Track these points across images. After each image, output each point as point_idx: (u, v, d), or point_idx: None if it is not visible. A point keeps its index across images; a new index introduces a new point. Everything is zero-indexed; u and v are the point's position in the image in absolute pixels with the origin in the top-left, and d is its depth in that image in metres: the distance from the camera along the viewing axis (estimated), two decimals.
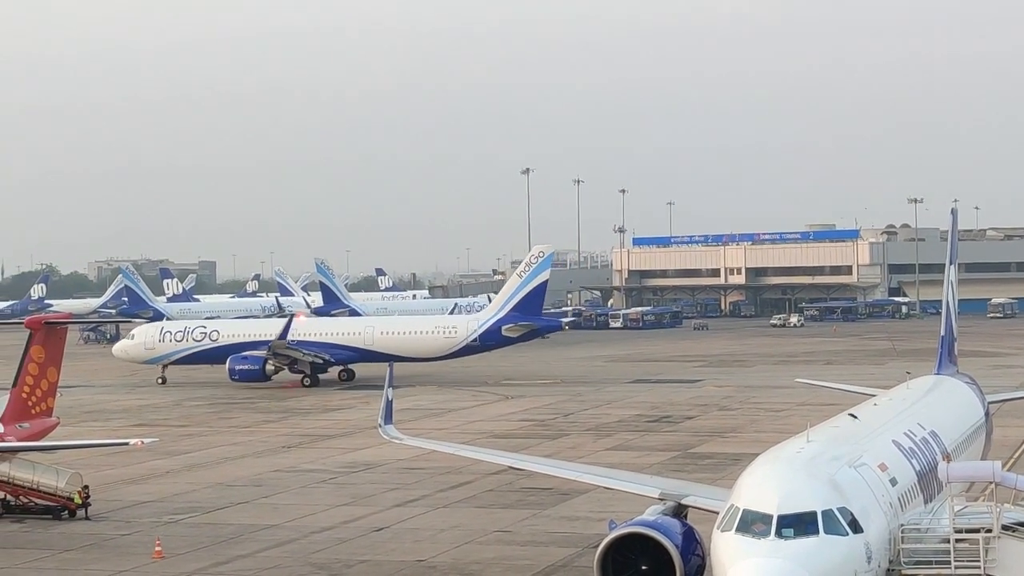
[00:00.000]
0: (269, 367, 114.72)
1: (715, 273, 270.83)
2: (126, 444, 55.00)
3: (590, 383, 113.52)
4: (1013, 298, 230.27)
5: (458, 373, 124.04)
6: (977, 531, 30.52)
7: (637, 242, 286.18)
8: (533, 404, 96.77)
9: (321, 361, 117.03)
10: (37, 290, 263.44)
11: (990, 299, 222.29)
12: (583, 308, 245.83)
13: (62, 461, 58.44)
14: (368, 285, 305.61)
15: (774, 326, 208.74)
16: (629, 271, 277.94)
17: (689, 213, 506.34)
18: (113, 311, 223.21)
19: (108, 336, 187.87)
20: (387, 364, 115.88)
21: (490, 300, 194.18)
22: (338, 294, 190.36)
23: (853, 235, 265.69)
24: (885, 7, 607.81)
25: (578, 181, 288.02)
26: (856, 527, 28.18)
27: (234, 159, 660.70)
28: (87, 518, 54.15)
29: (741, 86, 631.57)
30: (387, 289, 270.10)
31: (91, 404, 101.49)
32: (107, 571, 44.97)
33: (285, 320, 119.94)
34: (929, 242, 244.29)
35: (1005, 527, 30.39)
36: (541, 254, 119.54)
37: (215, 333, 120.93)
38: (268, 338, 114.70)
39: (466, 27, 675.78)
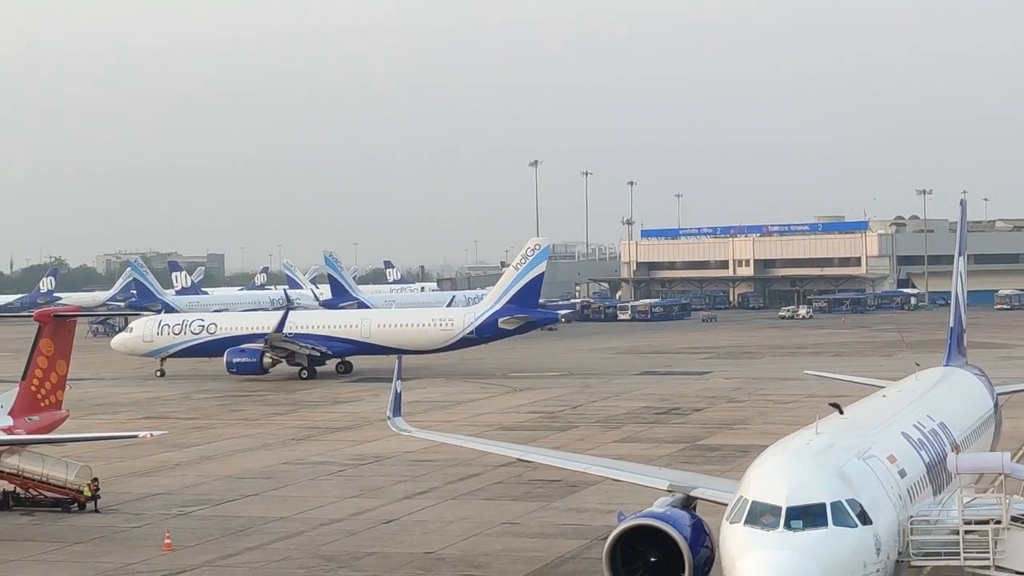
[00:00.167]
0: (266, 360, 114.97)
1: (723, 265, 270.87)
2: (135, 437, 55.15)
3: (598, 375, 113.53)
4: (1020, 289, 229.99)
5: (466, 365, 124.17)
6: (986, 522, 30.49)
7: (645, 234, 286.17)
8: (541, 396, 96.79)
9: (318, 354, 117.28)
10: (46, 283, 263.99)
11: (998, 291, 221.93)
12: (591, 300, 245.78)
13: (71, 454, 58.61)
14: (376, 278, 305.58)
15: (783, 318, 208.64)
16: (637, 263, 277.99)
17: (697, 205, 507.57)
18: (122, 304, 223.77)
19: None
20: (385, 356, 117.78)
21: None
22: (346, 287, 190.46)
23: (862, 226, 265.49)
24: (893, 1, 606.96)
25: (586, 173, 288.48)
26: (865, 519, 28.16)
27: (242, 154, 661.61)
28: (96, 511, 54.25)
29: (749, 79, 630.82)
30: (395, 282, 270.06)
31: (100, 397, 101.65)
32: (117, 563, 45.04)
33: (281, 313, 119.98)
34: (938, 233, 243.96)
35: (1015, 518, 30.36)
36: (537, 247, 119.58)
37: (213, 326, 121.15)
38: (266, 331, 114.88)
39: (473, 21, 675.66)
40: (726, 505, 29.84)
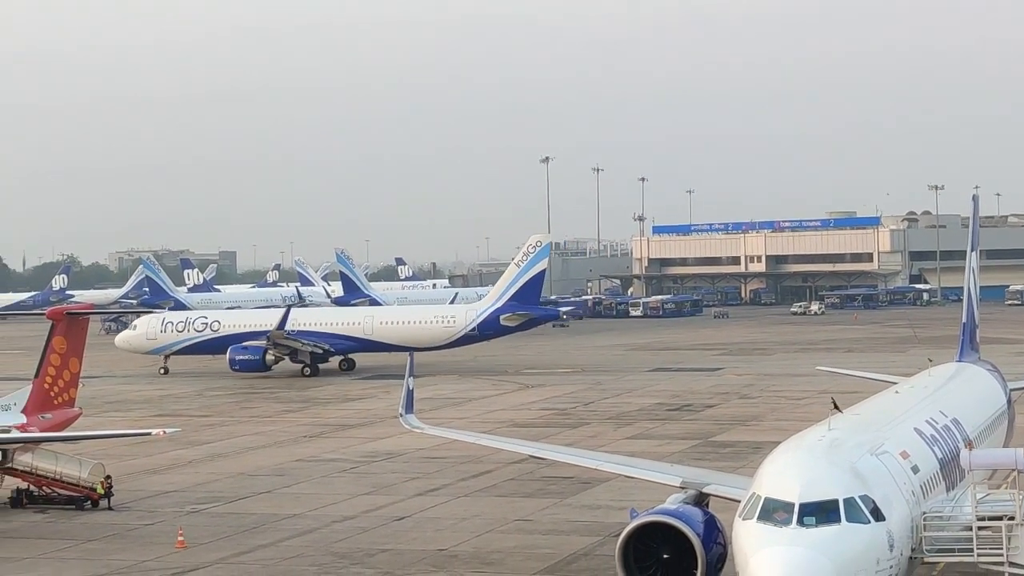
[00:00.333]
0: (269, 357, 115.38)
1: (735, 261, 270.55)
2: (148, 434, 55.31)
3: (610, 372, 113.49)
4: None
5: (478, 362, 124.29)
6: (1000, 519, 30.47)
7: (657, 230, 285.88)
8: (553, 393, 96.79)
9: (321, 351, 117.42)
10: (58, 281, 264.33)
11: (1008, 286, 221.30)
12: (603, 297, 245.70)
13: (85, 451, 58.78)
14: (388, 274, 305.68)
15: (795, 314, 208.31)
16: (649, 259, 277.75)
17: (709, 201, 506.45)
18: (134, 301, 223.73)
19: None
20: (387, 352, 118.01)
21: None
22: (358, 283, 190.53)
23: (874, 222, 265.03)
24: None
25: (597, 169, 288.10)
26: (878, 515, 28.14)
27: (254, 151, 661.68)
28: (110, 508, 54.38)
29: (761, 74, 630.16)
30: (407, 278, 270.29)
31: (113, 394, 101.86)
32: (130, 561, 45.13)
33: (283, 310, 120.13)
34: (950, 229, 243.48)
35: None
36: (539, 243, 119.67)
37: (216, 323, 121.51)
38: (269, 328, 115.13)
39: (484, 17, 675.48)
40: (739, 502, 29.84)
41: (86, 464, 55.19)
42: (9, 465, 53.78)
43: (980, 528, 30.39)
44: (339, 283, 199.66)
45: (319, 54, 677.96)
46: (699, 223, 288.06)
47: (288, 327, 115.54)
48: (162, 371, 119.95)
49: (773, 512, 27.80)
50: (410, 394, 46.22)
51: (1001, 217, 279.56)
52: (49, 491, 55.02)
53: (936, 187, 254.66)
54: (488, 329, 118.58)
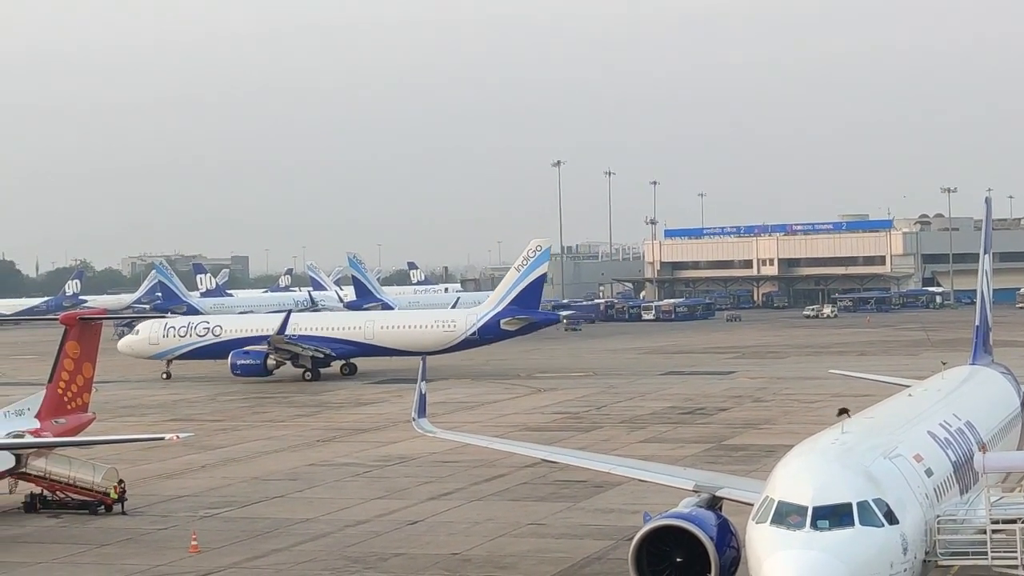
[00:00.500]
0: (270, 362, 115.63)
1: (747, 264, 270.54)
2: (161, 439, 55.33)
3: (623, 375, 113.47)
4: None
5: (490, 366, 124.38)
6: (1014, 522, 30.37)
7: (669, 234, 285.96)
8: (566, 397, 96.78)
9: (322, 355, 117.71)
10: (71, 286, 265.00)
11: (1020, 289, 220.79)
12: (615, 300, 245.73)
13: (98, 456, 58.81)
14: (400, 279, 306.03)
15: (807, 317, 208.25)
16: (661, 263, 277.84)
17: (721, 204, 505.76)
18: (147, 306, 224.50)
19: None
20: (389, 358, 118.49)
21: None
22: (370, 288, 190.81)
23: (886, 225, 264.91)
24: None
25: (609, 173, 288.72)
26: (892, 518, 28.09)
27: (266, 155, 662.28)
28: (123, 513, 54.45)
29: (772, 76, 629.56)
30: (419, 283, 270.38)
31: (126, 399, 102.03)
32: (144, 565, 45.19)
33: (283, 315, 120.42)
34: (963, 231, 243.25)
35: None
36: (539, 248, 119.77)
37: (218, 328, 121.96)
38: (270, 333, 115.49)
39: (494, 19, 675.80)
40: (752, 505, 29.79)
41: (100, 469, 55.29)
42: (23, 470, 53.87)
43: (994, 531, 30.30)
44: (351, 287, 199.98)
45: (329, 56, 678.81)
46: (711, 226, 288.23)
47: (290, 332, 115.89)
48: (165, 376, 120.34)
49: (786, 516, 27.77)
50: (423, 398, 46.21)
51: (1014, 220, 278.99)
52: (63, 496, 55.09)
53: (949, 190, 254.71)
54: (488, 333, 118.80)
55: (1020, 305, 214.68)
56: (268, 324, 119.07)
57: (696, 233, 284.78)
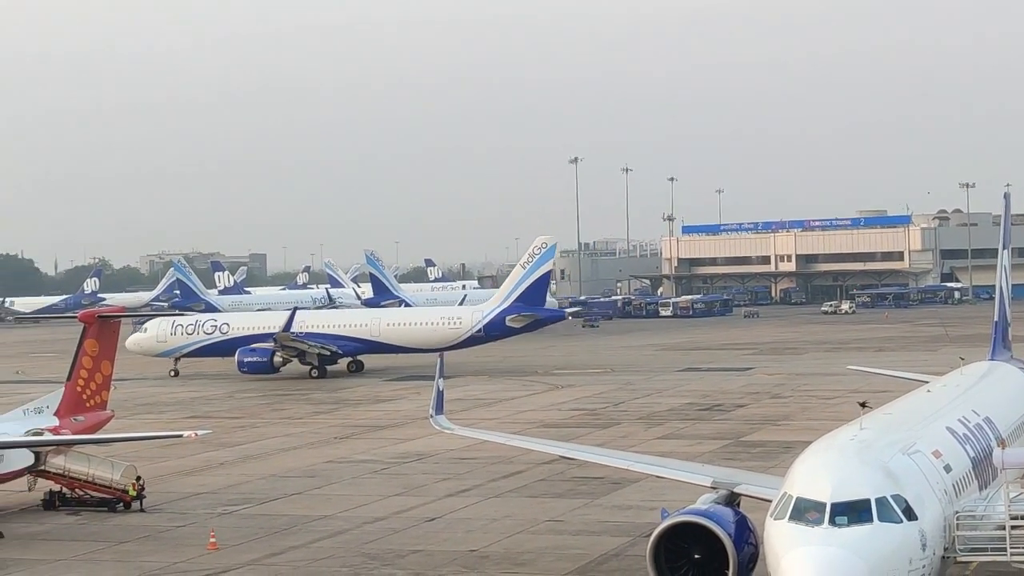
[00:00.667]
0: (277, 359, 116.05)
1: (765, 260, 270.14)
2: (180, 436, 55.38)
3: (640, 372, 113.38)
4: None
5: (508, 363, 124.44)
6: None
7: (686, 230, 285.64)
8: (583, 393, 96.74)
9: (328, 353, 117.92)
10: (90, 284, 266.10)
11: None
12: (633, 297, 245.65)
13: (117, 454, 59.02)
14: (418, 276, 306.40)
15: (825, 313, 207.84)
16: (679, 259, 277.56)
17: (738, 200, 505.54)
18: (165, 304, 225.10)
19: None
20: (395, 355, 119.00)
21: None
22: (388, 285, 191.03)
23: (905, 221, 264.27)
24: None
25: (627, 170, 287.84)
26: (910, 514, 28.02)
27: (284, 154, 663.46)
28: (142, 510, 54.56)
29: (790, 72, 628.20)
30: (436, 280, 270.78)
31: (145, 397, 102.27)
32: (162, 562, 45.27)
33: (288, 312, 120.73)
34: (981, 227, 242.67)
35: None
36: (544, 245, 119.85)
37: (225, 326, 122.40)
38: (276, 331, 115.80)
39: (513, 17, 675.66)
40: (770, 501, 29.75)
41: (118, 466, 55.42)
42: (42, 467, 54.02)
43: (1013, 527, 30.24)
44: (369, 285, 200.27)
45: (350, 54, 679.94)
46: (729, 223, 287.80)
47: (297, 330, 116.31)
48: (172, 373, 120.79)
49: (805, 512, 27.71)
50: (440, 395, 46.22)
51: None
52: (82, 493, 55.21)
53: (967, 185, 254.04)
54: (494, 330, 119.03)
55: None
56: (275, 322, 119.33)
57: (714, 229, 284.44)
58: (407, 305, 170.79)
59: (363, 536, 48.59)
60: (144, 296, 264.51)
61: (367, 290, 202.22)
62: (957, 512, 30.58)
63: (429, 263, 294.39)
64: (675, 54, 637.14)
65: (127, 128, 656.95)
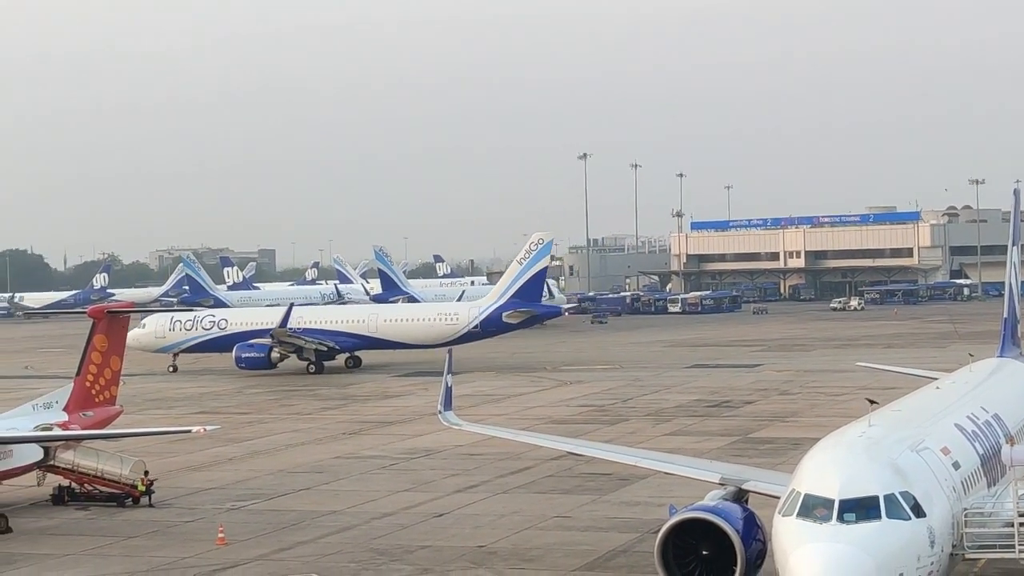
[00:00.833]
0: (274, 355, 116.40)
1: (774, 257, 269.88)
2: (188, 431, 55.45)
3: (648, 368, 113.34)
4: None
5: (516, 359, 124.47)
6: None
7: (695, 226, 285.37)
8: (592, 389, 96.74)
9: (326, 348, 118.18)
10: (99, 279, 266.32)
11: None
12: (641, 293, 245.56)
13: (126, 449, 59.06)
14: (426, 272, 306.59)
15: (834, 309, 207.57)
16: (687, 255, 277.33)
17: (747, 197, 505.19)
18: (174, 300, 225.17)
19: None
20: (392, 351, 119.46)
21: (548, 286, 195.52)
22: (396, 281, 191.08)
23: (914, 217, 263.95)
24: None
25: (636, 166, 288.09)
26: (919, 511, 27.98)
27: (293, 150, 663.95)
28: (151, 505, 54.65)
29: (799, 69, 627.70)
30: (445, 276, 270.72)
31: (153, 392, 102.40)
32: (171, 557, 45.35)
33: (285, 308, 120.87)
34: (991, 223, 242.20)
35: None
36: (541, 241, 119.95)
37: (223, 322, 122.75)
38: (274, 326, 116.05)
39: (522, 14, 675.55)
40: (778, 498, 29.73)
41: (127, 461, 55.51)
42: (51, 462, 54.12)
43: (1022, 524, 30.18)
44: (378, 280, 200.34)
45: (357, 51, 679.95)
46: (738, 219, 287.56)
47: (296, 325, 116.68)
48: (171, 369, 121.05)
49: (813, 508, 27.69)
50: (449, 391, 46.26)
51: None
52: (91, 488, 55.30)
53: (977, 181, 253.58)
54: (491, 326, 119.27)
55: None
56: (273, 318, 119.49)
57: (723, 226, 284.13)
58: (414, 300, 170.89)
59: (371, 532, 48.62)
60: (153, 292, 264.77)
61: (376, 286, 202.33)
62: (965, 509, 30.55)
63: (438, 259, 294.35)
64: (684, 51, 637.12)
65: (137, 126, 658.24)
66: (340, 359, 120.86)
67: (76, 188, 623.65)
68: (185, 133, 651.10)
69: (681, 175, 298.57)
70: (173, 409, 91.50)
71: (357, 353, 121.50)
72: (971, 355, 50.54)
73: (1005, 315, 53.51)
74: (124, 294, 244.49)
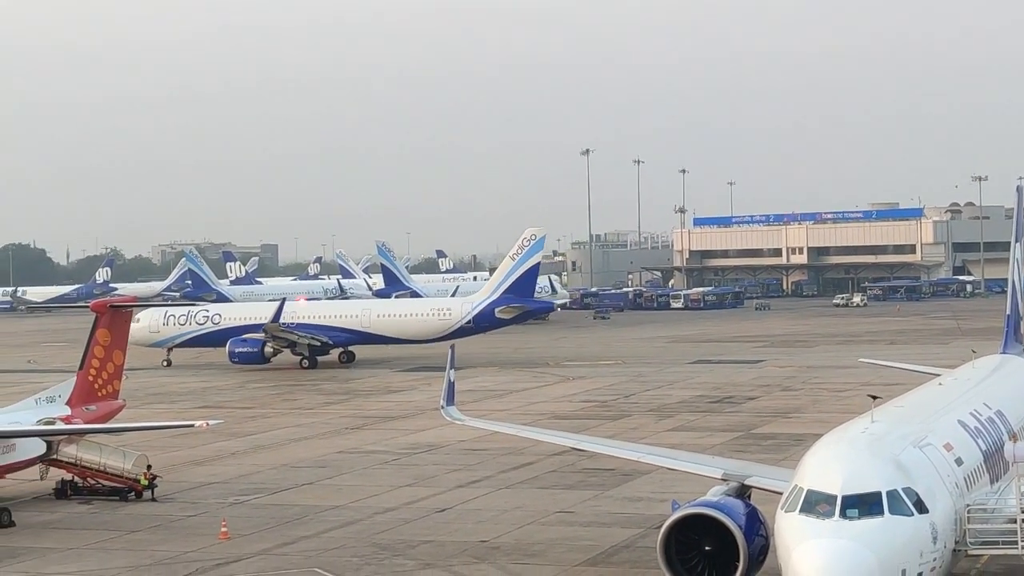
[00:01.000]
0: (268, 349, 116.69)
1: (777, 253, 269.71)
2: (191, 426, 55.52)
3: (651, 364, 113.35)
4: None
5: (519, 354, 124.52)
6: None
7: (698, 222, 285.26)
8: (594, 385, 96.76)
9: (319, 343, 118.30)
10: (102, 274, 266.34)
11: None
12: (644, 289, 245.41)
13: (128, 443, 59.09)
14: (429, 267, 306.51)
15: (837, 306, 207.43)
16: (690, 251, 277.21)
17: (750, 193, 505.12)
18: (177, 294, 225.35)
19: None
20: (383, 345, 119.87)
21: (551, 282, 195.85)
22: (399, 276, 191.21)
23: (917, 213, 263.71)
24: None
25: (638, 162, 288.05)
26: (921, 507, 28.01)
27: (295, 145, 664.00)
28: (153, 499, 54.69)
29: (801, 64, 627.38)
30: (448, 271, 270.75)
31: (156, 386, 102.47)
32: (174, 552, 45.38)
33: (277, 303, 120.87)
34: (994, 220, 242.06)
35: None
36: (533, 237, 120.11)
37: (217, 317, 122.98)
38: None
39: (525, 8, 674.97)
40: (781, 494, 29.76)
41: (130, 455, 55.56)
42: (54, 456, 54.16)
43: None
44: (380, 275, 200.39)
45: (361, 46, 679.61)
46: (740, 215, 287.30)
47: (289, 320, 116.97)
48: (165, 363, 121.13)
49: (816, 504, 27.72)
50: (451, 386, 46.29)
51: None
52: (93, 482, 55.35)
53: (980, 178, 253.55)
54: (483, 321, 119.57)
55: None
56: (267, 313, 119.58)
57: (725, 222, 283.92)
58: (416, 295, 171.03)
59: (374, 526, 48.66)
60: (156, 286, 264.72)
61: (378, 281, 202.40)
62: (968, 505, 30.58)
63: (440, 254, 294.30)
64: (687, 46, 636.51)
65: (140, 120, 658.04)
66: (334, 354, 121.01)
67: (79, 182, 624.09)
68: (188, 127, 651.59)
69: (684, 171, 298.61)
70: (176, 403, 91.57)
71: (351, 348, 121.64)
72: (974, 351, 50.44)
73: (1008, 312, 53.53)
74: (127, 288, 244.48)
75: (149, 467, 55.56)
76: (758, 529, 33.46)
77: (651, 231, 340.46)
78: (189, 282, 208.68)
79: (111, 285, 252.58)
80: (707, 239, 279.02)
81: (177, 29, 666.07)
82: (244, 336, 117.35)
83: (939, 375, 48.05)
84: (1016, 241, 55.17)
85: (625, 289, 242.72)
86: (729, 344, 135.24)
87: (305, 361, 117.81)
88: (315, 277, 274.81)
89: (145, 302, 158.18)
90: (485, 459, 62.65)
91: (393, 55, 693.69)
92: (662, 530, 33.84)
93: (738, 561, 32.76)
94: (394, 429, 75.79)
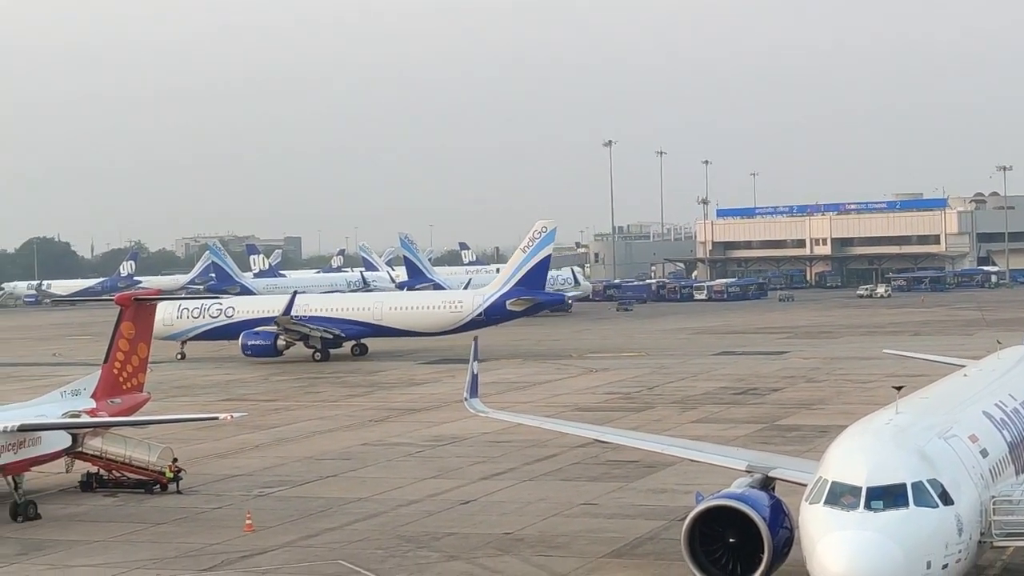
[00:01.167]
0: (280, 342, 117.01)
1: (800, 244, 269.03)
2: (216, 419, 55.63)
3: (675, 355, 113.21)
4: None
5: (542, 346, 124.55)
6: None
7: (721, 213, 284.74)
8: (618, 377, 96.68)
9: (331, 336, 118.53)
10: (126, 267, 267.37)
11: None
12: (667, 280, 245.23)
13: (153, 436, 59.29)
14: (452, 259, 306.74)
15: (861, 297, 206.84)
16: (713, 243, 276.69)
17: (773, 184, 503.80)
18: (201, 287, 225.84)
19: None
20: (399, 338, 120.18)
21: (573, 273, 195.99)
22: (422, 268, 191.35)
23: (941, 204, 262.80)
24: None
25: (661, 153, 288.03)
26: (946, 499, 27.91)
27: (319, 138, 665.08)
28: (178, 492, 54.89)
29: (823, 55, 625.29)
30: (470, 263, 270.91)
31: (180, 379, 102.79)
32: (199, 544, 45.53)
33: (289, 296, 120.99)
34: (1019, 210, 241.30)
35: None
36: (544, 229, 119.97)
37: (231, 310, 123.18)
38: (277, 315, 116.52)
39: (548, 3, 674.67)
40: (805, 486, 29.70)
41: (155, 448, 55.76)
42: (79, 449, 54.36)
43: None
44: (403, 268, 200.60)
45: (383, 42, 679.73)
46: (763, 206, 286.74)
47: (302, 313, 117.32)
48: (179, 356, 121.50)
49: (840, 496, 27.65)
50: (475, 378, 46.32)
51: None
52: (119, 475, 55.57)
53: (1004, 168, 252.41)
54: (495, 314, 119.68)
55: None
56: (280, 306, 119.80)
57: (748, 213, 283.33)
58: (439, 288, 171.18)
59: (398, 519, 48.73)
60: (180, 279, 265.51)
61: (401, 273, 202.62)
62: (993, 497, 30.46)
63: (463, 246, 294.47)
64: (709, 38, 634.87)
65: (165, 114, 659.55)
66: (347, 347, 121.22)
67: (103, 176, 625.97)
68: (212, 121, 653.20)
69: (707, 162, 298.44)
70: (200, 396, 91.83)
71: (363, 341, 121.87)
72: (999, 342, 50.31)
73: None
74: (151, 281, 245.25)
75: (175, 460, 55.76)
76: (782, 521, 33.39)
77: (674, 223, 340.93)
78: (213, 275, 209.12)
79: (135, 278, 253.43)
80: (730, 230, 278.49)
81: (202, 23, 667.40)
82: (257, 329, 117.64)
83: (964, 366, 47.87)
84: None
85: (648, 281, 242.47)
86: (753, 335, 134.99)
87: (318, 354, 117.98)
88: (338, 270, 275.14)
89: (169, 295, 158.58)
90: (509, 451, 62.68)
91: (418, 49, 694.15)
92: (686, 522, 33.80)
93: (762, 553, 32.68)
94: (418, 421, 75.88)
